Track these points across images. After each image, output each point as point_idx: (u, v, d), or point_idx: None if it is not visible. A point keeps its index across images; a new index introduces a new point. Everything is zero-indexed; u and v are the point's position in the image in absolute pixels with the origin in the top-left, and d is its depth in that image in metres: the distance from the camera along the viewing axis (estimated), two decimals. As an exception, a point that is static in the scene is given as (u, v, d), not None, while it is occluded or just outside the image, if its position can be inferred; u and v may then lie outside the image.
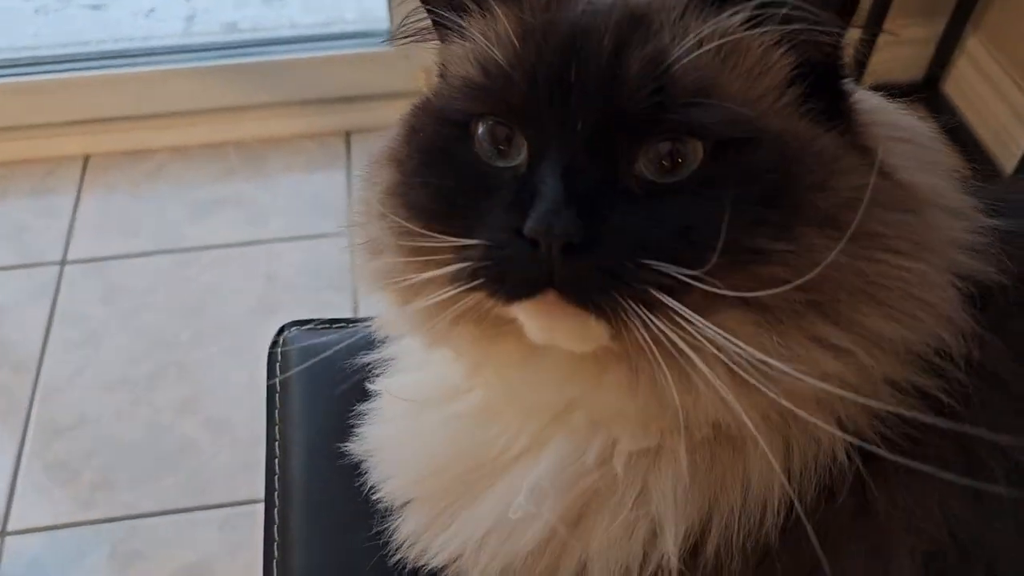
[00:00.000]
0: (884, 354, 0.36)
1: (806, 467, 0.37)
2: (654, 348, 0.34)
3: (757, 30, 0.36)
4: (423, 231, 0.37)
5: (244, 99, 1.61)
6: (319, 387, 0.62)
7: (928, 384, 0.36)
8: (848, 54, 0.38)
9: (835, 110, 0.38)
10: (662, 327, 0.34)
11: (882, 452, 0.35)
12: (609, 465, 0.39)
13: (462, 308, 0.37)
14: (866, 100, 0.41)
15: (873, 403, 0.35)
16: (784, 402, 0.34)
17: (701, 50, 0.36)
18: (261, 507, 1.10)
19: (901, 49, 1.74)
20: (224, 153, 1.57)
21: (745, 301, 0.34)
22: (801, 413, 0.34)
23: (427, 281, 0.37)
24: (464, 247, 0.36)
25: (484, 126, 0.38)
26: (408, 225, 0.38)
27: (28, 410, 1.22)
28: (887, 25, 1.59)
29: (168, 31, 2.04)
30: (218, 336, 1.31)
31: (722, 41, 0.36)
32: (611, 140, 0.35)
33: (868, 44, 1.48)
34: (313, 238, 1.43)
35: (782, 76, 0.37)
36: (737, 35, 0.36)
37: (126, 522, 1.12)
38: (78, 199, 1.49)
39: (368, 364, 0.52)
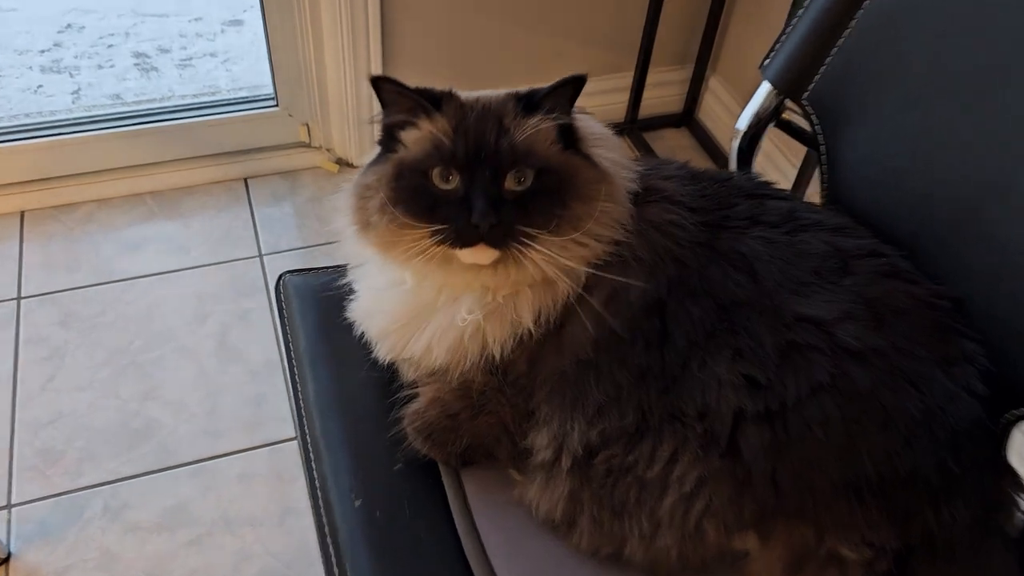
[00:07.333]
0: (600, 244, 0.78)
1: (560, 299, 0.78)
2: (513, 257, 0.75)
3: (545, 123, 0.77)
4: (410, 221, 0.76)
5: (157, 157, 1.86)
6: (314, 307, 0.97)
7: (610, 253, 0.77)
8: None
9: (572, 144, 0.80)
10: (520, 250, 0.74)
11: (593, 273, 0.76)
12: (491, 300, 0.79)
13: (424, 252, 0.76)
14: (582, 120, 0.85)
15: (591, 266, 0.76)
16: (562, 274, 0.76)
17: (526, 134, 0.76)
18: (222, 460, 1.43)
19: (664, 89, 2.14)
20: (143, 201, 1.84)
21: (554, 234, 0.75)
22: (565, 276, 0.76)
23: (409, 239, 0.76)
24: (436, 229, 0.74)
25: (437, 171, 0.76)
26: (403, 218, 0.76)
27: (12, 412, 1.46)
28: (651, 73, 2.07)
29: (57, 105, 2.26)
30: (165, 341, 1.59)
31: (533, 128, 0.76)
32: (497, 176, 0.75)
33: (639, 87, 2.14)
34: (229, 262, 1.74)
35: (553, 136, 0.79)
36: (537, 125, 0.77)
37: (112, 485, 1.38)
38: (21, 247, 1.72)
39: (341, 285, 0.92)
